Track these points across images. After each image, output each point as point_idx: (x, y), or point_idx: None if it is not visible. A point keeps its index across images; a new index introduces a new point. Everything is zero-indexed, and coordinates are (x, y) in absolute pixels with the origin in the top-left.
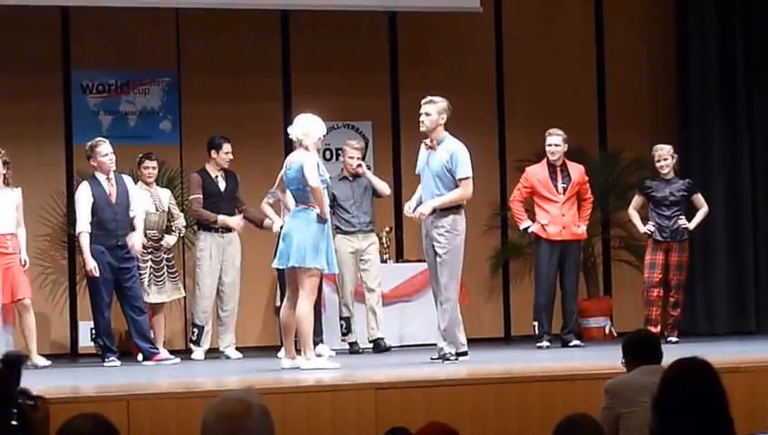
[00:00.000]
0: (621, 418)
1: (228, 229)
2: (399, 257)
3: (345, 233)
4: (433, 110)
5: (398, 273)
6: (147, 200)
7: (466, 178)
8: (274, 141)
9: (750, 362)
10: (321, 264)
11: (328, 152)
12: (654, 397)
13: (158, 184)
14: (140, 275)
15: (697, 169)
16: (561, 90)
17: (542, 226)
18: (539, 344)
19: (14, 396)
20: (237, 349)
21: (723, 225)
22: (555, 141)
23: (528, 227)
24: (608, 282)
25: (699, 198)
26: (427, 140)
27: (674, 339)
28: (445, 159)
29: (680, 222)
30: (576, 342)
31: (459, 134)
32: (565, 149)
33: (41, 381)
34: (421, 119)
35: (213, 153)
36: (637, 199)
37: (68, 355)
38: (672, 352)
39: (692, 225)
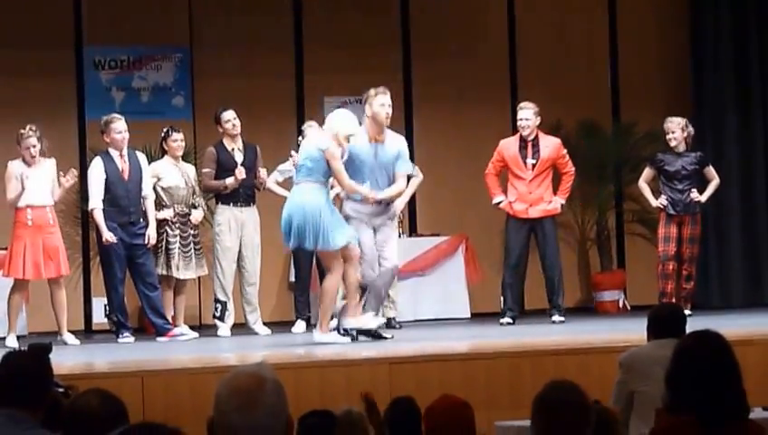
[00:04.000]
0: (636, 394)
1: (247, 203)
2: (413, 232)
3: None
4: None
5: (412, 247)
6: (175, 175)
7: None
8: (287, 117)
9: (764, 335)
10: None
11: None
12: (667, 370)
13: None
14: (170, 250)
15: (711, 141)
16: (574, 62)
17: (510, 203)
18: (501, 321)
19: (47, 384)
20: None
21: (737, 197)
22: (525, 115)
23: (500, 202)
24: (621, 255)
25: (711, 171)
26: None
27: (687, 312)
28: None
29: (692, 195)
30: (557, 317)
31: (472, 108)
32: (537, 123)
33: (56, 356)
34: None
35: (218, 126)
36: (647, 172)
37: (82, 331)
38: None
39: (704, 197)
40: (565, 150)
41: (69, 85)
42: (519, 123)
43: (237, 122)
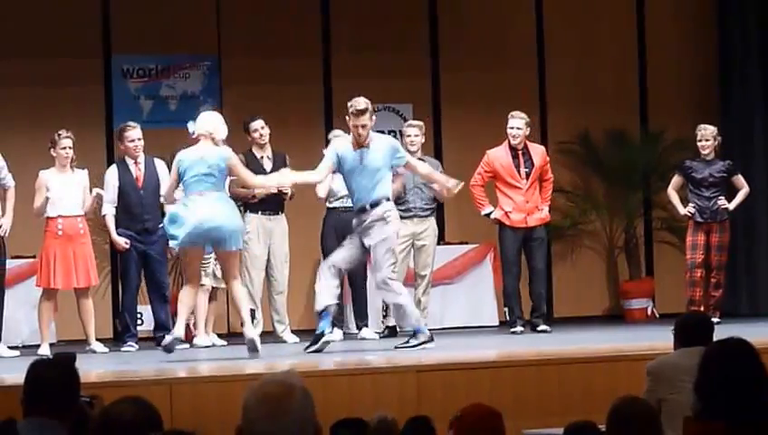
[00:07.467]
0: (663, 402)
1: (276, 211)
2: (441, 240)
3: (402, 218)
4: None
5: (440, 255)
6: None
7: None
8: (315, 123)
9: None
10: None
11: None
12: (696, 378)
13: None
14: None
15: (738, 149)
16: (602, 70)
17: (506, 213)
18: (513, 330)
19: (74, 392)
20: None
21: (765, 205)
22: (517, 124)
23: (491, 213)
24: (650, 263)
25: (740, 179)
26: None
27: (716, 320)
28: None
29: (720, 203)
30: (544, 327)
31: (500, 115)
32: (527, 133)
33: (84, 364)
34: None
35: (247, 135)
36: (676, 180)
37: (110, 340)
38: (714, 333)
39: (732, 205)
40: (548, 157)
41: (97, 94)
42: (509, 132)
43: (265, 131)
